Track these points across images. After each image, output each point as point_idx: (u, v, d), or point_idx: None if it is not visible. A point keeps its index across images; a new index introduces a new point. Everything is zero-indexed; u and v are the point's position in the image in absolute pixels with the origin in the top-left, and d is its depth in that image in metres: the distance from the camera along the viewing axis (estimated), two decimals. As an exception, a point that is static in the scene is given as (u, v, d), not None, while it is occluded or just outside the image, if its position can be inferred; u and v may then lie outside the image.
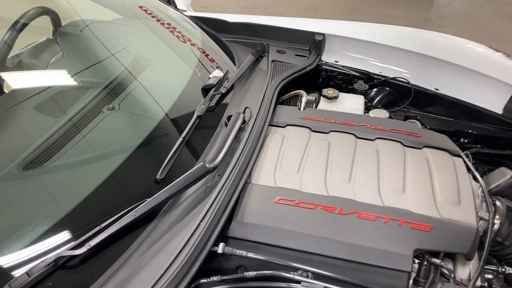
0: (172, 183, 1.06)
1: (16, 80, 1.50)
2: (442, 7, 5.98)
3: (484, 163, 1.60)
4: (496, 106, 1.63)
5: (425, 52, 1.75)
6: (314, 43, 1.85)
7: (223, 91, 1.45)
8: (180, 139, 1.22)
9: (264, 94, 1.49)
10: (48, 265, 0.87)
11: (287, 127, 1.42)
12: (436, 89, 1.72)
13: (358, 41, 1.84)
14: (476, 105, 1.65)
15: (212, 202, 1.06)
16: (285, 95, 1.66)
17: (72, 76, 1.47)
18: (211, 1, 5.96)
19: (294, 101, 1.65)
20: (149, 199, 1.01)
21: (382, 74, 1.79)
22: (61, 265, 0.89)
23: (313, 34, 1.86)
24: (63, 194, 1.06)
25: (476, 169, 1.33)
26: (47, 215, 0.98)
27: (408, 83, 1.74)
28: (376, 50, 1.83)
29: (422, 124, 1.67)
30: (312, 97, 1.63)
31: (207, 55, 1.75)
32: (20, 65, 1.65)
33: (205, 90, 1.46)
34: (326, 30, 1.87)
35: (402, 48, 1.78)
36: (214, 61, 1.74)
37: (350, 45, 1.86)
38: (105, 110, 1.28)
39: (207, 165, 1.11)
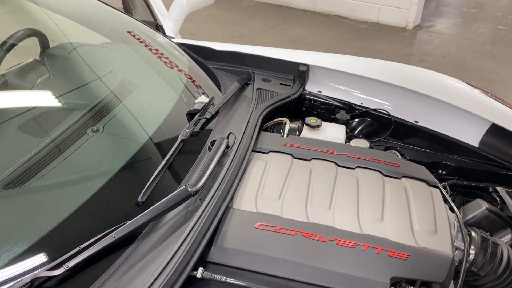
0: (153, 206, 1.05)
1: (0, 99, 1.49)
2: (423, 43, 6.18)
3: (461, 195, 1.63)
4: (473, 139, 1.68)
5: (406, 86, 1.80)
6: (299, 73, 1.89)
7: (208, 116, 1.47)
8: (163, 163, 1.22)
9: (248, 120, 1.51)
10: (24, 285, 0.85)
11: (270, 153, 1.43)
12: (416, 121, 1.76)
13: (341, 73, 1.89)
14: (454, 138, 1.70)
15: (192, 226, 1.06)
16: (269, 122, 1.69)
17: (57, 97, 1.47)
18: (200, 29, 6.07)
19: (277, 128, 1.68)
20: (129, 222, 1.01)
21: (363, 105, 1.84)
22: (37, 286, 0.88)
23: (297, 64, 1.90)
24: (42, 215, 1.05)
25: (453, 201, 1.35)
26: (25, 235, 0.97)
27: (389, 114, 1.79)
28: (359, 82, 1.88)
29: (401, 155, 1.70)
30: (295, 125, 1.66)
31: (193, 81, 1.78)
32: (5, 85, 1.64)
33: (190, 115, 1.48)
34: (311, 61, 1.91)
35: (384, 81, 1.83)
36: (200, 87, 1.77)
37: (334, 76, 1.91)
38: (89, 132, 1.28)
39: (189, 189, 1.12)
